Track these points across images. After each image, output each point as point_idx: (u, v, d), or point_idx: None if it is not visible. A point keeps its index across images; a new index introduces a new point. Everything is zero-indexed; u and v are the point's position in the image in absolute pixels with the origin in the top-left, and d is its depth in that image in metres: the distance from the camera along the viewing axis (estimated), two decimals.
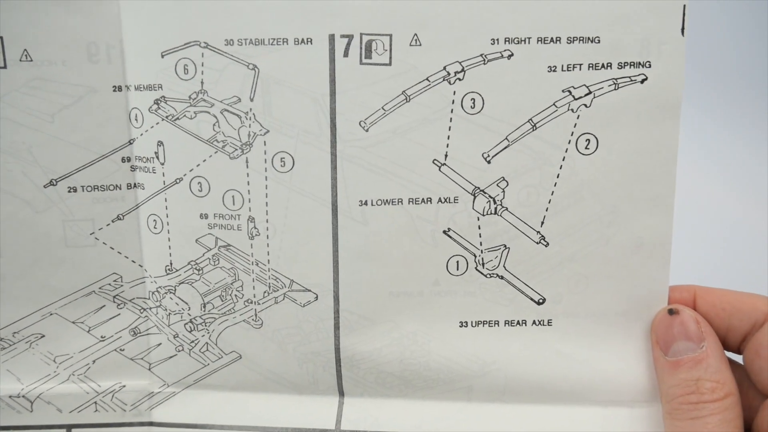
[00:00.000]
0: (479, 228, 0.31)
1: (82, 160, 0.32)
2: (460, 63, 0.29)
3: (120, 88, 0.32)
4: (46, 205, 0.33)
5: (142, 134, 0.32)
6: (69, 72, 0.31)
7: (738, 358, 0.31)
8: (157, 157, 0.32)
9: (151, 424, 0.35)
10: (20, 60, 0.31)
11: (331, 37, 0.30)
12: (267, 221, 0.32)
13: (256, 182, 0.31)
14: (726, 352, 0.30)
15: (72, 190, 0.32)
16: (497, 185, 0.31)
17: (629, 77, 0.29)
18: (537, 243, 0.31)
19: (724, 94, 0.62)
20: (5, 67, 0.31)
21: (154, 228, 0.33)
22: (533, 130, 0.30)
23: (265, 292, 0.33)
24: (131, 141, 0.32)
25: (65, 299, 0.34)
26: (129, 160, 0.33)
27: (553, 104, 0.30)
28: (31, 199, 0.32)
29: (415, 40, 0.29)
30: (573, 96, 0.29)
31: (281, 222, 0.32)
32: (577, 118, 0.30)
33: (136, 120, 0.32)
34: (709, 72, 0.61)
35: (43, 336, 0.34)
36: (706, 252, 0.54)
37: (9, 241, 0.33)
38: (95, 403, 0.35)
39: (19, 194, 0.32)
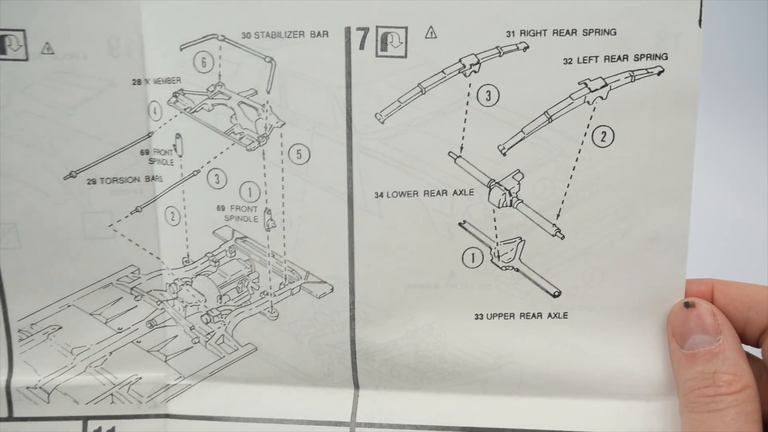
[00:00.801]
0: (495, 220, 0.31)
1: (102, 153, 0.33)
2: (475, 55, 0.30)
3: (139, 82, 0.32)
4: (65, 197, 0.33)
5: (160, 127, 0.32)
6: (90, 65, 0.31)
7: (756, 352, 0.31)
8: (175, 150, 0.32)
9: (167, 416, 0.35)
10: (42, 53, 0.31)
11: (347, 30, 0.30)
12: (283, 213, 0.32)
13: (272, 174, 0.32)
14: (744, 345, 0.30)
15: (91, 183, 0.33)
16: (513, 177, 0.31)
17: (646, 69, 0.29)
18: (553, 236, 0.31)
19: (724, 94, 0.61)
20: (27, 59, 0.31)
21: (172, 220, 0.33)
22: (549, 123, 0.30)
23: (281, 283, 0.33)
24: (150, 134, 0.33)
25: (83, 291, 0.34)
26: (147, 152, 0.33)
27: (569, 96, 0.30)
28: (50, 191, 0.33)
29: (431, 32, 0.30)
30: (589, 88, 0.29)
31: (297, 214, 0.32)
32: (593, 110, 0.30)
33: (155, 113, 0.32)
34: (709, 72, 0.61)
35: (61, 327, 0.35)
36: (706, 252, 0.53)
37: (28, 233, 0.33)
38: (111, 394, 0.35)
39: (39, 186, 0.33)
